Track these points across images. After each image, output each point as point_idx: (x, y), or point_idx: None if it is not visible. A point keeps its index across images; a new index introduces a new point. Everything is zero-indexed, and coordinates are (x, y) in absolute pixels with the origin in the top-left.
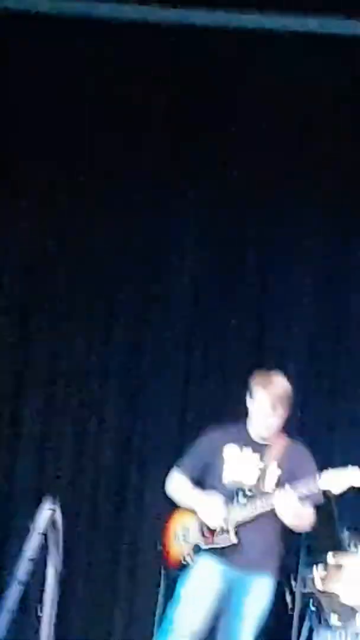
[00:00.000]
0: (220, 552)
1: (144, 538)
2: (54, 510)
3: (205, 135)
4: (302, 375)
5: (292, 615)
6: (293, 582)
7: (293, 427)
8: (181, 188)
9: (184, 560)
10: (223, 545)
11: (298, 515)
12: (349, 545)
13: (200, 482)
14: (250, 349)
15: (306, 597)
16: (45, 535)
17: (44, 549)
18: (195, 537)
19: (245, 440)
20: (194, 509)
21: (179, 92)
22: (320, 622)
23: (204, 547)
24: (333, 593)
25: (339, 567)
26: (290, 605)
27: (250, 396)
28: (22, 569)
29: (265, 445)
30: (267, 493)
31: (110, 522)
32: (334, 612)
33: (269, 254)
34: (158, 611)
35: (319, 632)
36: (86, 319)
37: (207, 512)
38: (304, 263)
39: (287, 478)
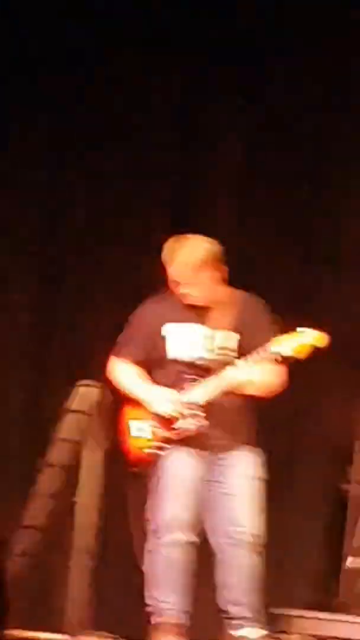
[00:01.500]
0: (190, 439)
1: None
2: (97, 388)
3: None
4: None
5: (346, 504)
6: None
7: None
8: None
9: (152, 455)
10: (190, 431)
11: (258, 385)
12: None
13: (145, 363)
14: None
15: None
16: (88, 414)
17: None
18: (157, 429)
19: (181, 309)
20: (146, 400)
21: None
22: None
23: (170, 436)
24: None
25: None
26: (345, 496)
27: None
28: (55, 451)
29: (207, 308)
30: (218, 364)
31: None
32: None
33: None
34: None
35: None
36: None
37: (160, 400)
38: None
39: (245, 342)
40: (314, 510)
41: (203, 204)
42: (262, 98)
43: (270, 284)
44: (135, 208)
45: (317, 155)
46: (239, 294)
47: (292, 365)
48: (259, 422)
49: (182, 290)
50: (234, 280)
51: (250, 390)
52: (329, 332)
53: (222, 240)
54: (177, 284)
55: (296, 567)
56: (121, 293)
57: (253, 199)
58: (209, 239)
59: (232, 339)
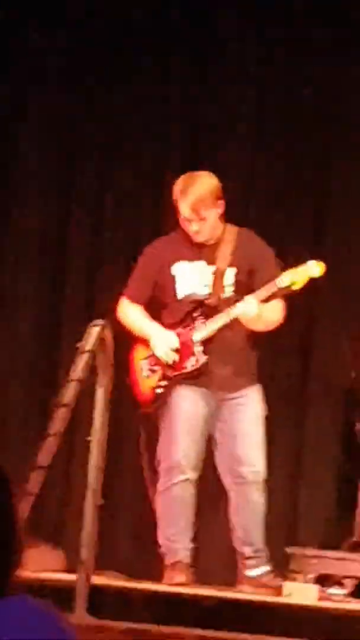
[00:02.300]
0: (194, 377)
1: None
2: (103, 327)
3: None
4: None
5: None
6: None
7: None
8: None
9: (157, 394)
10: (194, 369)
11: (265, 320)
12: None
13: (154, 302)
14: None
15: None
16: (93, 354)
17: (93, 370)
18: (162, 367)
19: (189, 248)
20: (150, 338)
21: None
22: None
23: (173, 374)
24: None
25: None
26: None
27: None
28: (67, 390)
29: (212, 246)
30: (227, 301)
31: None
32: None
33: None
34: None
35: None
36: None
37: (164, 338)
38: None
39: (245, 280)
40: (328, 449)
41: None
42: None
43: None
44: (147, 149)
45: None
46: (239, 230)
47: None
48: (270, 361)
49: (192, 227)
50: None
51: (258, 326)
52: (342, 273)
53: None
54: (188, 221)
55: (310, 508)
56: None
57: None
58: (211, 174)
59: (231, 274)
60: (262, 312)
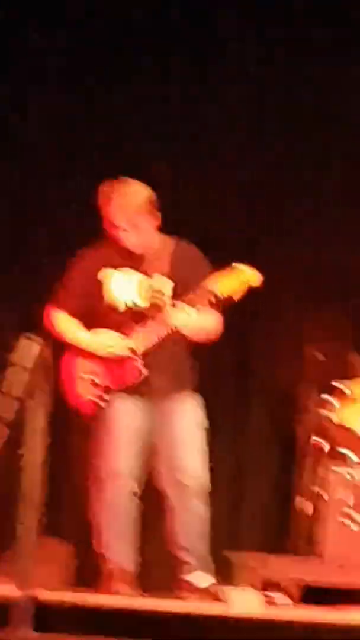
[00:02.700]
0: (133, 386)
1: None
2: (41, 345)
3: None
4: None
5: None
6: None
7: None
8: None
9: (97, 403)
10: (135, 380)
11: (204, 330)
12: None
13: (85, 314)
14: None
15: (317, 428)
16: (29, 369)
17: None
18: (101, 378)
19: (123, 258)
20: (89, 348)
21: None
22: (333, 457)
23: (114, 386)
24: (348, 426)
25: (354, 398)
26: (298, 438)
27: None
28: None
29: (149, 256)
30: (161, 311)
31: None
32: (347, 445)
33: None
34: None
35: (331, 468)
36: None
37: (104, 346)
38: None
39: (179, 288)
40: (265, 452)
41: None
42: None
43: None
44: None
45: None
46: (172, 240)
47: (239, 308)
48: (208, 367)
49: (120, 235)
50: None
51: (197, 336)
52: (277, 275)
53: None
54: (116, 228)
55: (249, 510)
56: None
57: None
58: (145, 185)
59: (167, 285)
60: (200, 322)
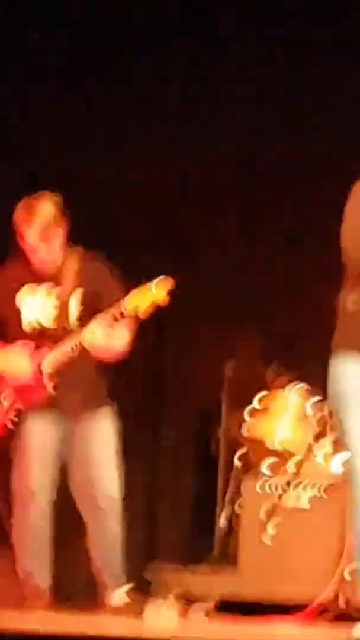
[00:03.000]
0: (47, 404)
1: None
2: None
3: None
4: None
5: (217, 463)
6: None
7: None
8: None
9: (9, 424)
10: (44, 399)
11: (111, 348)
12: (275, 384)
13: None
14: None
15: (232, 443)
16: None
17: None
18: (10, 399)
19: (32, 275)
20: (3, 369)
21: None
22: (248, 471)
23: (25, 406)
24: (261, 439)
25: (266, 410)
26: (214, 453)
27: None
28: None
29: (57, 272)
30: (72, 329)
31: None
32: (262, 460)
33: None
34: None
35: (246, 482)
36: None
37: (15, 369)
38: None
39: (89, 305)
40: (185, 467)
41: None
42: None
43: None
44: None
45: None
46: (80, 253)
47: (156, 323)
48: (123, 384)
49: (39, 254)
50: None
51: (104, 355)
52: (199, 292)
53: None
54: (36, 247)
55: (167, 526)
56: None
57: None
58: (54, 195)
59: (83, 301)
60: (107, 340)
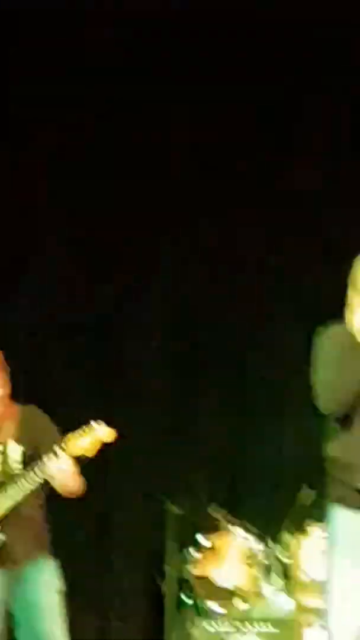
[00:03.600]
0: None
1: None
2: None
3: None
4: None
5: (163, 602)
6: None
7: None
8: None
9: None
10: None
11: (74, 475)
12: (219, 523)
13: None
14: None
15: (179, 582)
16: None
17: None
18: None
19: None
20: None
21: None
22: (196, 609)
23: None
24: (207, 577)
25: (211, 548)
26: (163, 593)
27: None
28: None
29: (1, 422)
30: (15, 476)
31: None
32: (211, 598)
33: None
34: None
35: (195, 621)
36: None
37: None
38: None
39: (30, 452)
40: (131, 609)
41: None
42: None
43: None
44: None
45: None
46: (21, 407)
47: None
48: (66, 529)
49: None
50: None
51: (67, 480)
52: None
53: None
54: None
55: None
56: None
57: None
58: None
59: (24, 450)
60: (54, 484)
